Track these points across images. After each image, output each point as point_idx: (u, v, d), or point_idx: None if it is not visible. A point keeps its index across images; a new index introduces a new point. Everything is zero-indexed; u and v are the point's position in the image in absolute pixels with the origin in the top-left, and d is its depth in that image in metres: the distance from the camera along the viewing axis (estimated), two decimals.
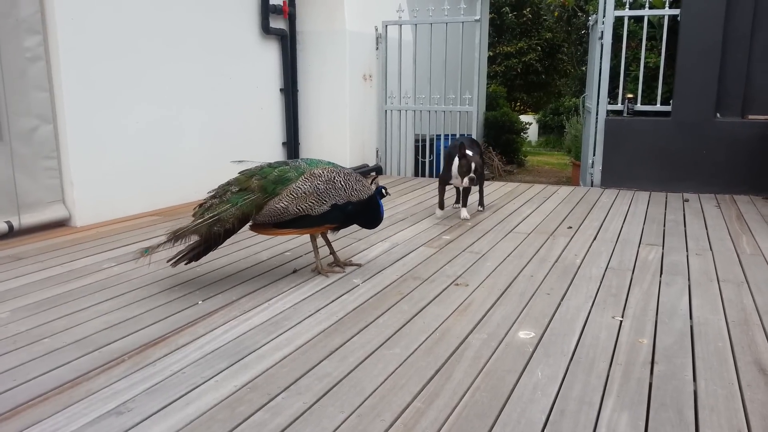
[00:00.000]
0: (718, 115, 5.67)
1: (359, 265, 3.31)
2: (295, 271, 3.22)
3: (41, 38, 3.96)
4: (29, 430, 1.72)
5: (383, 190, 3.26)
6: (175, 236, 2.87)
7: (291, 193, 2.92)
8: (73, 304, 2.73)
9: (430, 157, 6.85)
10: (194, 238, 2.89)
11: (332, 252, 3.28)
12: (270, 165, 3.06)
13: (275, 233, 3.04)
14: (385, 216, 3.38)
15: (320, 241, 3.32)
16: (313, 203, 2.93)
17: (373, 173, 3.29)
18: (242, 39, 5.59)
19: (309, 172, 2.97)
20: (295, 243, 3.79)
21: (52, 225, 4.14)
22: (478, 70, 6.40)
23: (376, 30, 6.57)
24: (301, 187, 2.93)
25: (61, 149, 4.13)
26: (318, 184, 2.94)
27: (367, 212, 3.16)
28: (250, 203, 2.91)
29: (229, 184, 3.01)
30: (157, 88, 4.74)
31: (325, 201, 2.95)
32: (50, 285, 3.00)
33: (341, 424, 1.75)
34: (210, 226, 2.85)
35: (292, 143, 6.29)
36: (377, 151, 6.84)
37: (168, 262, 2.93)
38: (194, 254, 2.93)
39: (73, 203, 4.19)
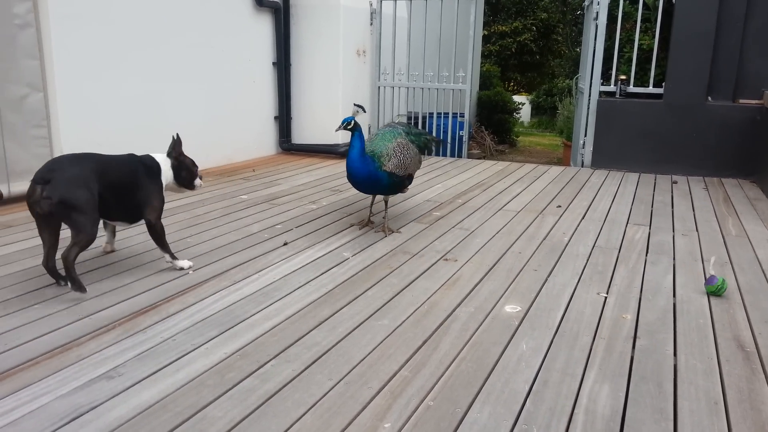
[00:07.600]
0: (709, 98, 5.69)
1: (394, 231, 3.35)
2: (285, 244, 3.24)
3: (31, 5, 3.90)
4: (21, 393, 1.75)
5: (359, 109, 3.40)
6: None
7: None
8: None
9: None
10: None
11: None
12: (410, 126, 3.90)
13: None
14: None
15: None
16: None
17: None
18: (236, 11, 5.53)
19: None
20: (285, 216, 3.80)
21: None
22: (472, 48, 6.38)
23: (371, 5, 6.52)
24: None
25: (51, 118, 4.09)
26: None
27: None
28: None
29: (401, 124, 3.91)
30: (149, 58, 4.69)
31: None
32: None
33: (329, 390, 1.79)
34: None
35: (284, 117, 6.26)
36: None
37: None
38: None
39: None
